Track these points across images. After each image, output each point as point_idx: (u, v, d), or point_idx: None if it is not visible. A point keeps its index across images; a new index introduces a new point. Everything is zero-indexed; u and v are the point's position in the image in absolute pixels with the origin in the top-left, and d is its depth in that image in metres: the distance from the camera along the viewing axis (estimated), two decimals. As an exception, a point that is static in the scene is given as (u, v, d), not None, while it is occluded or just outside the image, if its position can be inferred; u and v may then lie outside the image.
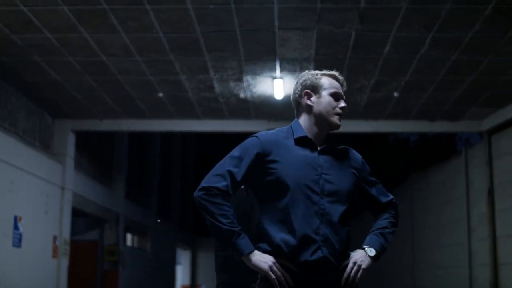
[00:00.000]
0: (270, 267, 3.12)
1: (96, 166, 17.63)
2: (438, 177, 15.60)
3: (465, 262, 13.53)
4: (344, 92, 3.55)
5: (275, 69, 10.79)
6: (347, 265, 3.26)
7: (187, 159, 33.76)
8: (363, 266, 3.27)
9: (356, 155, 3.54)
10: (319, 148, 3.38)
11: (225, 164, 3.27)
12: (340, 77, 3.54)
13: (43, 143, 13.32)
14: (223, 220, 3.12)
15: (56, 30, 9.23)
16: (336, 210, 3.26)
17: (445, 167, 15.26)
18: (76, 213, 15.53)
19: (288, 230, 3.18)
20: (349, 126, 13.74)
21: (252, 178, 3.29)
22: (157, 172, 25.68)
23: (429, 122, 13.44)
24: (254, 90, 11.74)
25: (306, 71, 3.62)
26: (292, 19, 8.84)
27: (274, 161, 3.24)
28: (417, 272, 16.74)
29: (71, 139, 14.05)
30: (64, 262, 13.71)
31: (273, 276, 3.11)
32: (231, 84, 11.46)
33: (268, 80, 11.27)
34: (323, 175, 3.28)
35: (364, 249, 3.34)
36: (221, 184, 3.19)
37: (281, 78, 11.13)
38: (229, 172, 3.22)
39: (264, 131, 3.42)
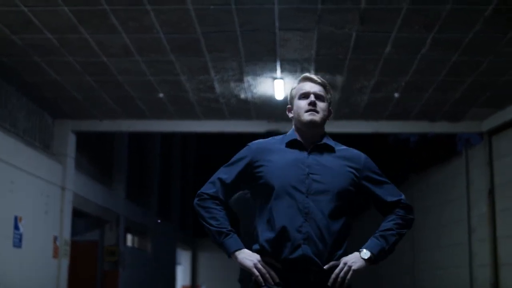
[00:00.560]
0: (255, 265, 3.27)
1: (96, 167, 17.63)
2: (438, 178, 15.61)
3: (465, 263, 13.53)
4: (324, 84, 3.58)
5: (275, 70, 10.79)
6: (337, 265, 3.29)
7: (187, 159, 33.76)
8: (353, 267, 3.29)
9: (357, 155, 3.56)
10: (309, 149, 3.46)
11: (218, 173, 3.52)
12: (310, 76, 3.57)
13: (43, 143, 13.32)
14: (213, 222, 3.36)
15: (56, 31, 9.23)
16: (323, 209, 3.31)
17: (445, 167, 15.26)
18: (77, 214, 15.53)
19: (272, 228, 3.30)
20: (349, 127, 13.76)
21: (246, 184, 3.53)
22: (157, 173, 25.68)
23: (429, 123, 13.44)
24: (254, 90, 11.74)
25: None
26: (292, 19, 8.85)
27: (262, 166, 3.41)
28: (417, 272, 16.74)
29: (71, 139, 14.05)
30: (65, 263, 13.71)
31: (256, 273, 3.25)
32: (232, 84, 11.47)
33: (269, 80, 11.27)
34: (311, 175, 3.36)
35: (359, 251, 3.37)
36: (211, 190, 3.45)
37: (281, 78, 11.13)
38: (219, 179, 3.47)
39: (258, 140, 3.59)
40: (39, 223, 12.61)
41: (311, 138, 3.49)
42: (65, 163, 13.84)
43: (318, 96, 3.49)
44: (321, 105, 3.48)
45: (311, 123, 3.45)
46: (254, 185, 3.46)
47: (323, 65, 10.53)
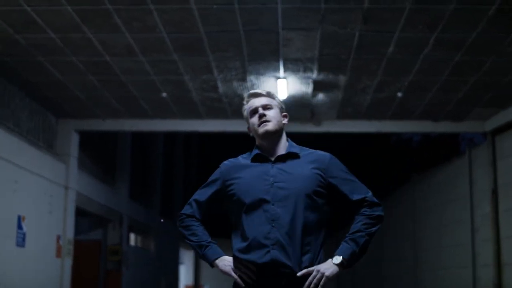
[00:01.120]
0: (232, 269, 3.52)
1: (99, 166, 17.65)
2: (441, 178, 15.59)
3: (468, 263, 13.51)
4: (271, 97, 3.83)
5: (278, 69, 10.80)
6: (311, 273, 3.44)
7: (190, 159, 33.78)
8: (326, 274, 3.41)
9: (322, 156, 3.71)
10: (273, 159, 3.67)
11: (194, 194, 3.82)
12: (253, 92, 3.82)
13: (47, 142, 13.34)
14: (193, 238, 3.69)
15: (60, 30, 9.24)
16: (291, 214, 3.49)
17: (448, 167, 15.24)
18: (80, 213, 15.55)
19: (243, 240, 3.53)
20: (352, 127, 13.76)
21: (222, 203, 3.76)
22: (160, 172, 25.71)
23: (432, 123, 13.43)
24: (258, 89, 11.72)
25: None
26: (295, 19, 8.85)
27: (233, 184, 3.65)
28: (419, 272, 16.72)
29: (74, 138, 14.07)
30: (68, 262, 13.73)
31: (235, 276, 3.50)
32: (235, 84, 11.47)
33: (272, 80, 11.27)
34: (275, 183, 3.56)
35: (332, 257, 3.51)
36: (189, 211, 3.76)
37: (284, 78, 11.13)
38: (194, 200, 3.78)
39: (230, 159, 3.85)
40: (42, 222, 12.63)
41: (273, 148, 3.70)
42: (68, 163, 13.86)
43: (265, 107, 3.72)
44: (270, 113, 3.70)
45: (266, 133, 3.66)
46: (228, 202, 3.69)
47: (326, 64, 10.53)
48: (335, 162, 3.69)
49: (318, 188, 3.57)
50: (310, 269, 3.43)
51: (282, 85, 11.31)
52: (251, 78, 11.19)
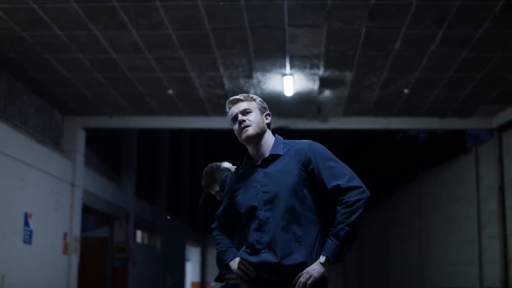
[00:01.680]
0: (238, 267, 3.79)
1: (105, 163, 17.68)
2: (447, 174, 15.56)
3: (475, 260, 13.49)
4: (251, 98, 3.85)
5: (285, 66, 10.79)
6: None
7: (196, 156, 33.79)
8: (313, 274, 3.51)
9: (301, 145, 3.74)
10: (258, 164, 3.78)
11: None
12: (231, 98, 3.90)
13: (53, 140, 13.36)
14: (218, 247, 4.03)
15: (66, 27, 9.25)
16: (278, 215, 3.61)
17: (455, 164, 15.21)
18: (86, 210, 15.58)
19: (245, 244, 3.78)
20: (358, 123, 13.75)
21: (235, 212, 3.90)
22: (166, 169, 25.72)
23: (439, 119, 13.41)
24: (264, 87, 11.74)
25: None
26: (301, 16, 8.84)
27: (235, 196, 3.87)
28: (426, 269, 16.70)
29: (81, 136, 14.10)
30: (74, 259, 13.75)
31: (240, 272, 3.78)
32: (241, 81, 11.47)
33: (278, 77, 11.27)
34: (261, 188, 3.69)
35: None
36: (214, 225, 4.13)
37: (291, 75, 11.13)
38: (216, 215, 4.11)
39: (235, 170, 4.06)
40: (49, 219, 12.65)
41: (259, 151, 3.79)
42: (74, 160, 13.88)
43: (244, 112, 3.77)
44: (250, 117, 3.75)
45: (248, 138, 3.73)
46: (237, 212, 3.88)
47: (332, 61, 10.52)
48: (313, 148, 3.68)
49: (300, 182, 3.63)
50: (302, 272, 3.55)
51: (289, 82, 11.31)
52: (257, 75, 11.19)
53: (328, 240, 3.52)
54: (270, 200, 3.62)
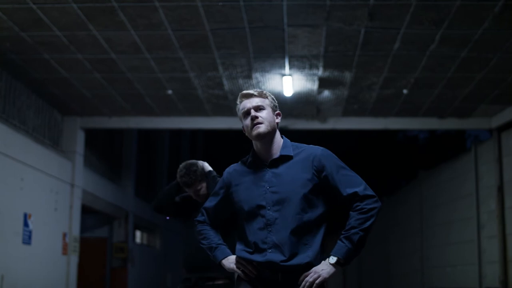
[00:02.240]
0: (235, 265, 3.74)
1: (105, 163, 17.68)
2: (447, 175, 15.57)
3: (474, 260, 13.50)
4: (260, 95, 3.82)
5: (284, 66, 10.79)
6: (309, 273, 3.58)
7: (195, 156, 33.79)
8: (323, 275, 3.53)
9: (313, 152, 3.74)
10: (267, 164, 3.74)
11: (206, 201, 4.04)
12: (245, 92, 3.83)
13: (53, 140, 13.36)
14: (204, 242, 3.94)
15: (65, 28, 9.25)
16: (287, 217, 3.60)
17: (454, 164, 15.22)
18: (86, 210, 15.57)
19: (245, 243, 3.71)
20: (358, 124, 13.75)
21: (229, 209, 3.91)
22: (166, 170, 25.71)
23: (438, 119, 13.42)
24: (263, 87, 11.74)
25: None
26: (301, 16, 8.84)
27: (234, 192, 3.81)
28: (426, 269, 16.71)
29: (80, 136, 14.10)
30: (74, 259, 13.75)
31: (238, 271, 3.71)
32: (240, 81, 11.47)
33: (277, 77, 11.27)
34: (269, 188, 3.67)
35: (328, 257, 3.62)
36: (200, 218, 4.02)
37: (290, 75, 11.13)
38: (204, 208, 4.01)
39: (232, 165, 3.96)
40: (48, 220, 12.65)
41: (268, 150, 3.75)
42: (74, 160, 13.89)
43: (257, 108, 3.73)
44: (262, 114, 3.71)
45: (259, 135, 3.68)
46: (234, 208, 3.84)
47: (331, 61, 10.52)
48: (327, 156, 3.71)
49: (312, 187, 3.63)
50: (309, 272, 3.55)
51: (288, 82, 11.31)
52: (257, 75, 11.19)
53: (340, 242, 3.56)
54: (279, 201, 3.62)
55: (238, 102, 3.82)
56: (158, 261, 24.28)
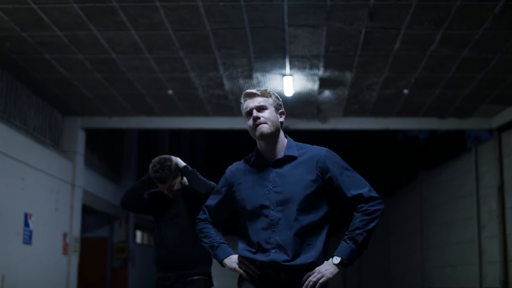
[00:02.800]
0: (238, 264, 3.73)
1: (106, 164, 17.68)
2: (447, 175, 15.57)
3: (475, 260, 13.49)
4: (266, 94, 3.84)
5: (284, 67, 10.79)
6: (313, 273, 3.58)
7: (196, 156, 33.78)
8: (327, 275, 3.54)
9: (318, 153, 3.73)
10: (271, 164, 3.74)
11: (208, 200, 4.04)
12: (248, 91, 3.82)
13: (53, 140, 13.37)
14: (206, 240, 3.93)
15: (66, 28, 9.26)
16: (290, 217, 3.60)
17: (454, 164, 15.22)
18: (86, 210, 15.57)
19: (248, 242, 3.71)
20: (358, 124, 13.75)
21: (231, 207, 3.93)
22: (166, 170, 25.66)
23: (438, 119, 13.42)
24: (263, 87, 11.71)
25: None
26: (301, 16, 8.84)
27: (236, 191, 3.81)
28: (426, 269, 16.71)
29: (80, 136, 14.11)
30: (74, 259, 13.76)
31: (241, 270, 3.71)
32: (241, 81, 11.48)
33: (278, 77, 11.27)
34: (273, 188, 3.67)
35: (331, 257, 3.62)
36: (202, 216, 4.01)
37: (290, 75, 11.13)
38: (206, 206, 4.01)
39: (235, 163, 3.95)
40: (49, 220, 12.65)
41: (272, 149, 3.75)
42: (74, 160, 13.89)
43: (259, 108, 3.73)
44: (265, 114, 3.71)
45: (262, 136, 3.68)
46: (236, 206, 3.85)
47: (332, 61, 10.53)
48: (331, 157, 3.71)
49: (316, 188, 3.64)
50: (312, 272, 3.56)
51: (288, 82, 11.32)
52: (257, 75, 11.19)
53: (343, 242, 3.58)
54: (283, 201, 3.62)
55: (242, 101, 3.82)
56: (159, 261, 24.23)
